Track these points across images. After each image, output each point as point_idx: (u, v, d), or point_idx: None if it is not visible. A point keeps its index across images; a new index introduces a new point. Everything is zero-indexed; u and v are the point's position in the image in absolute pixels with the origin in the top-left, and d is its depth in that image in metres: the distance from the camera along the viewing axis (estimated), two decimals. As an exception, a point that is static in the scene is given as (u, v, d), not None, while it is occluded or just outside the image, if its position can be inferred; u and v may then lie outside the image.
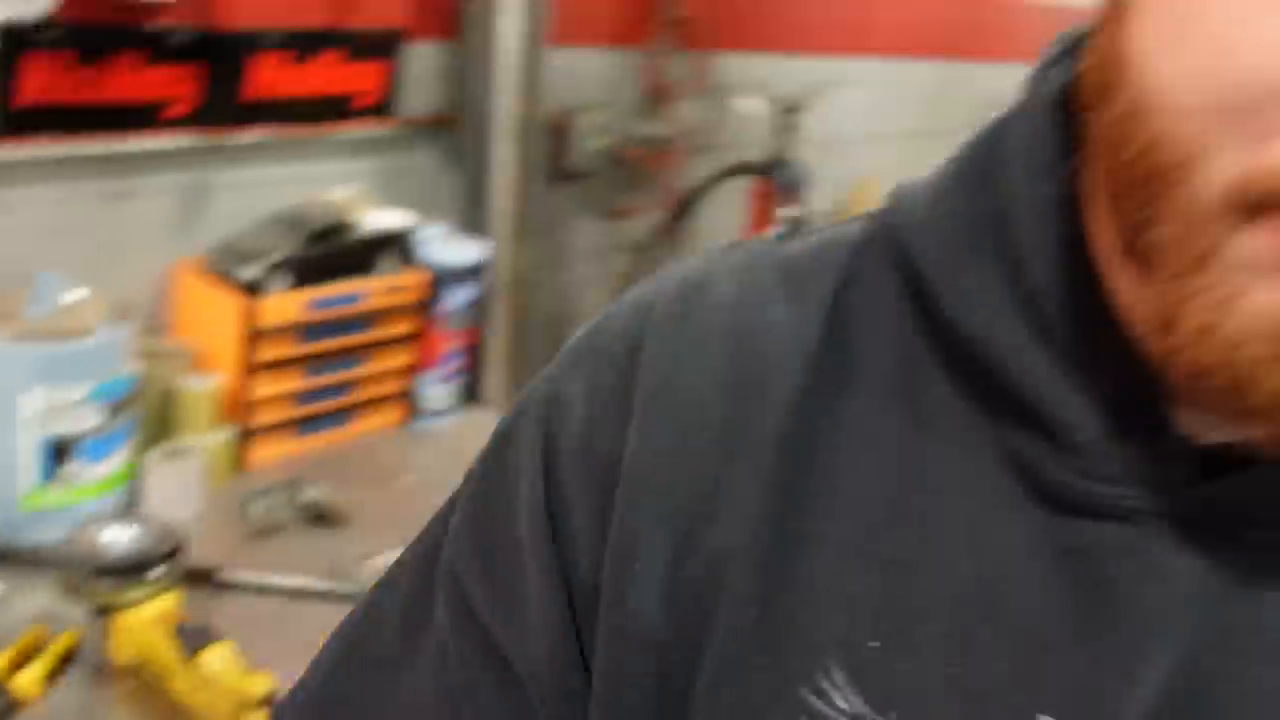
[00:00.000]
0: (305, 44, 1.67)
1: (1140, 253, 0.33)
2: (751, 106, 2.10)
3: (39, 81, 1.38)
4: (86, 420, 1.30)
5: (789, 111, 2.07)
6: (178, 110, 1.54)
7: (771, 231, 2.02)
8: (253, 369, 1.51)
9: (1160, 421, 0.36)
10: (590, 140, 2.11)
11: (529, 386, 0.48)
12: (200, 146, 1.58)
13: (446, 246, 1.75)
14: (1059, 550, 0.37)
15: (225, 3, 1.54)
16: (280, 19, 1.63)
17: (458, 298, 1.74)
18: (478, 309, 1.80)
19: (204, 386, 1.48)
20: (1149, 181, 0.31)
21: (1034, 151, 0.38)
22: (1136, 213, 0.32)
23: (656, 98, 2.26)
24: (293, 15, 1.64)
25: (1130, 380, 0.36)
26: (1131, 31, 0.32)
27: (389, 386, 1.71)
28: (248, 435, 1.54)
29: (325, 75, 1.70)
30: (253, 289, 1.50)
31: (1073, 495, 0.37)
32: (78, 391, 1.29)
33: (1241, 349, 0.30)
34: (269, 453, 1.57)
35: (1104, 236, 0.36)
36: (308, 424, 1.62)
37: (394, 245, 1.69)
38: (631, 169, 2.23)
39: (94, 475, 1.32)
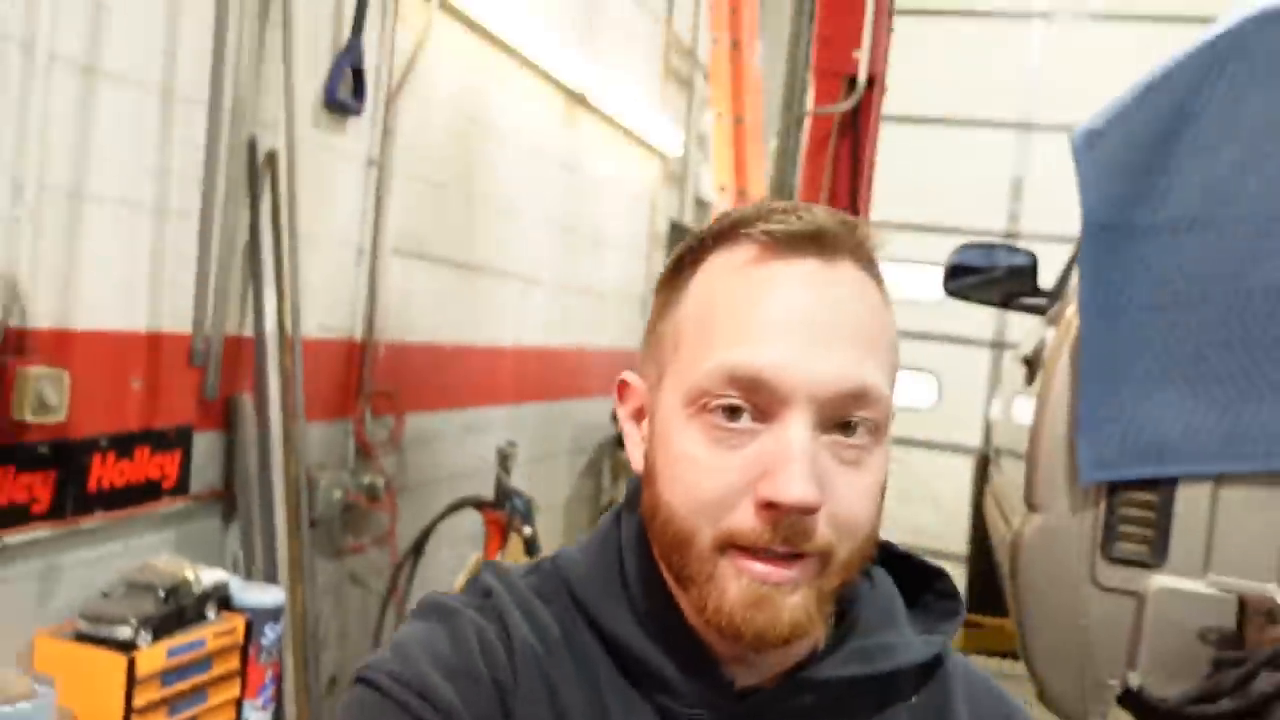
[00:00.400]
0: (126, 444, 2.04)
1: (683, 580, 0.68)
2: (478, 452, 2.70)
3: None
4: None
5: (506, 457, 2.72)
6: (38, 508, 1.84)
7: (509, 549, 2.59)
8: (131, 716, 1.78)
9: (716, 671, 0.71)
10: (328, 492, 2.58)
11: (446, 623, 0.72)
12: (55, 535, 1.88)
13: (254, 593, 2.12)
14: None
15: (72, 417, 1.90)
16: (109, 425, 2.01)
17: (269, 635, 2.11)
18: (281, 643, 2.16)
19: (95, 737, 1.72)
20: (679, 547, 0.68)
21: (634, 539, 0.75)
22: (678, 562, 0.68)
23: (366, 454, 2.80)
24: (117, 421, 2.03)
25: (696, 651, 0.70)
26: (656, 486, 0.70)
27: (224, 717, 2.00)
28: (126, 777, 1.77)
29: (142, 466, 2.07)
30: (128, 646, 1.79)
31: (677, 716, 0.70)
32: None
33: (733, 615, 0.65)
34: (141, 792, 1.80)
35: (670, 576, 0.71)
36: (166, 761, 1.87)
37: (215, 596, 2.04)
38: (358, 512, 2.71)
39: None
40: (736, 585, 0.65)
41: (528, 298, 3.85)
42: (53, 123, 1.85)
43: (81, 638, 1.81)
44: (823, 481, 0.65)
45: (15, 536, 1.80)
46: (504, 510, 2.62)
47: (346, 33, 2.66)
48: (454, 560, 2.91)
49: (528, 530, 2.59)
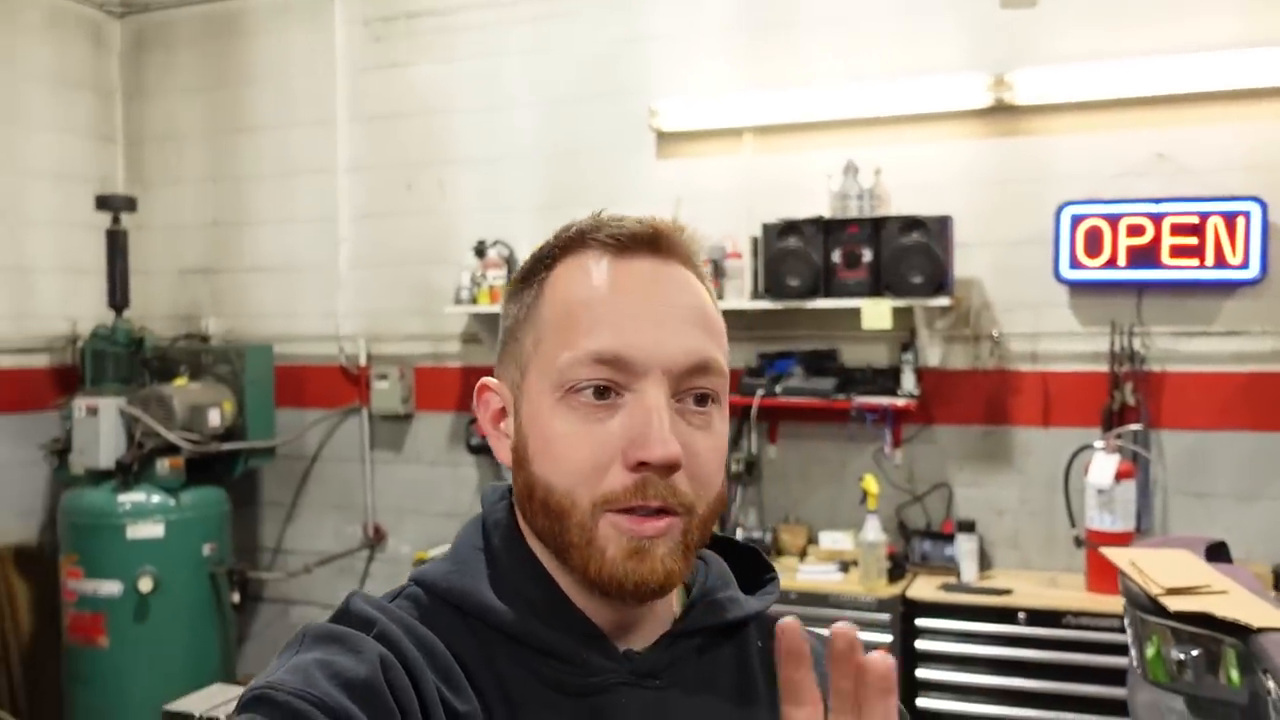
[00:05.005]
0: None
1: (563, 548, 0.79)
2: None
3: None
4: None
5: None
6: None
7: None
8: None
9: (604, 640, 0.81)
10: None
11: (360, 632, 0.77)
12: None
13: None
14: (589, 715, 0.79)
15: None
16: None
17: None
18: None
19: None
20: (559, 517, 0.78)
21: (506, 537, 0.84)
22: (558, 531, 0.78)
23: None
24: None
25: (583, 625, 0.81)
26: (531, 468, 0.80)
27: None
28: None
29: None
30: None
31: (578, 688, 0.79)
32: None
33: (615, 569, 0.76)
34: None
35: (548, 550, 0.82)
36: None
37: None
38: None
39: None
40: (616, 543, 0.77)
41: None
42: None
43: None
44: (681, 443, 0.77)
45: None
46: None
47: None
48: None
49: None
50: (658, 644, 0.84)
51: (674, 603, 0.87)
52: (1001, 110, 3.81)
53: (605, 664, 0.81)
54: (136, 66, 5.20)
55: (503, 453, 0.85)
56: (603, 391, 0.78)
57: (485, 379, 0.87)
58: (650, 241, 0.81)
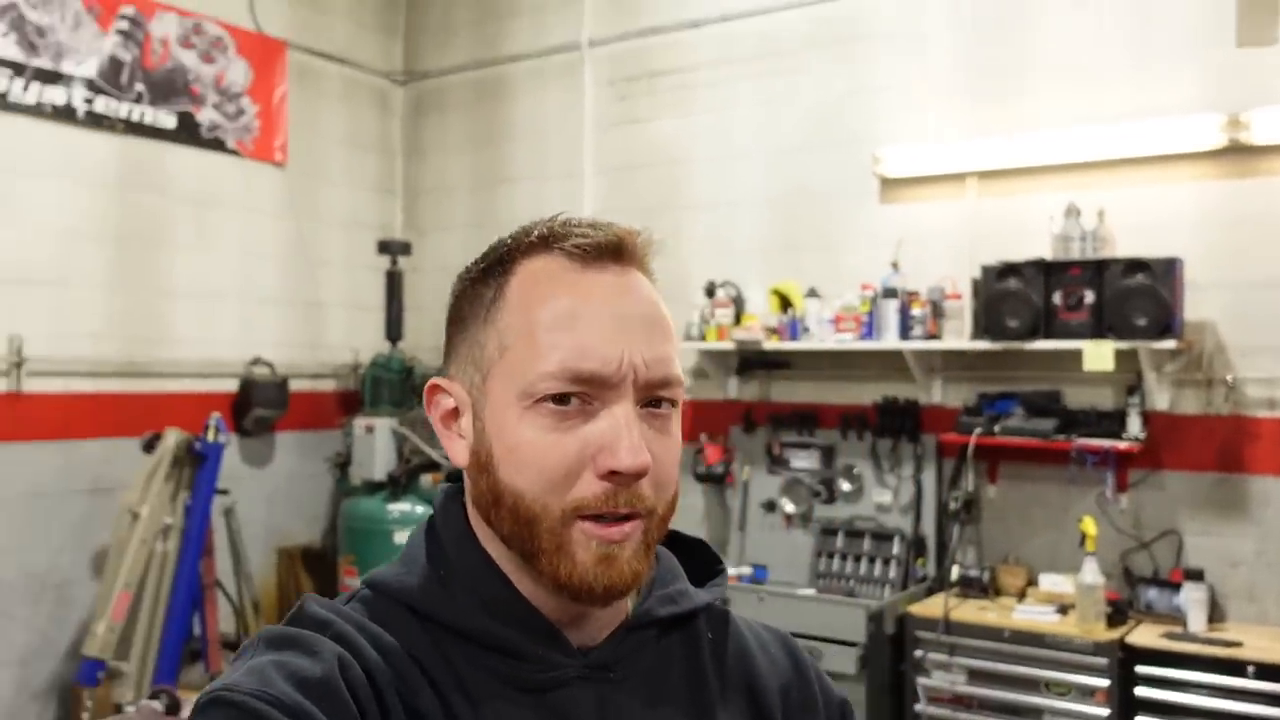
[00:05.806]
0: None
1: (532, 554, 0.79)
2: None
3: None
4: None
5: None
6: None
7: None
8: None
9: (559, 636, 0.82)
10: None
11: (316, 635, 0.77)
12: None
13: None
14: (547, 710, 0.80)
15: None
16: None
17: None
18: None
19: None
20: (529, 523, 0.78)
21: (461, 536, 0.85)
22: (527, 537, 0.79)
23: None
24: None
25: (538, 622, 0.81)
26: (498, 474, 0.80)
27: None
28: None
29: None
30: None
31: (535, 684, 0.80)
32: None
33: (586, 575, 0.78)
34: None
35: (513, 554, 0.82)
36: None
37: None
38: None
39: None
40: (586, 549, 0.78)
41: None
42: None
43: None
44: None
45: None
46: None
47: None
48: None
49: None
50: (612, 638, 0.85)
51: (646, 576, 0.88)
52: (1236, 150, 3.72)
53: (561, 659, 0.82)
54: (415, 128, 5.90)
55: (458, 453, 0.84)
56: (573, 399, 0.78)
57: (436, 379, 0.86)
58: (615, 251, 0.81)
